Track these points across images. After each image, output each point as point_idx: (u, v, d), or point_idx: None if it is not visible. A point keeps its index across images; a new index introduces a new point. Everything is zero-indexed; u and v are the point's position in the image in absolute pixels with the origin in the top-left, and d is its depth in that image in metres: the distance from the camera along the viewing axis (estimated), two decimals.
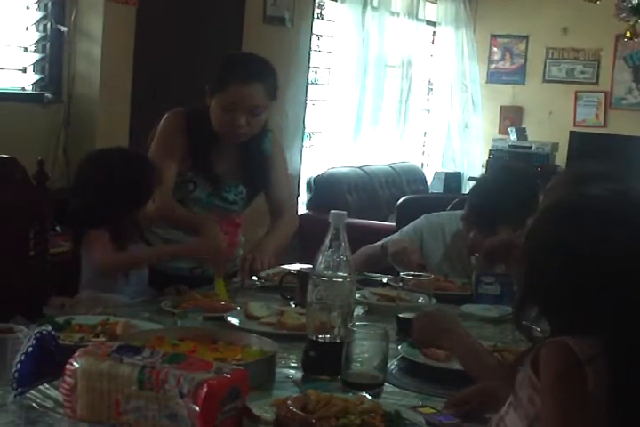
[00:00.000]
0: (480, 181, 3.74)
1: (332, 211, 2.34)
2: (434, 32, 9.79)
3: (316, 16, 7.50)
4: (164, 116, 3.41)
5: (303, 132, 7.46)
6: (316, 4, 7.54)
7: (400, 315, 2.73)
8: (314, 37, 7.45)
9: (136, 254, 3.12)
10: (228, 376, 1.87)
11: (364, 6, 7.92)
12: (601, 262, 1.68)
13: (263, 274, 3.33)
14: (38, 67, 5.10)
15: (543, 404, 1.66)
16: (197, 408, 1.80)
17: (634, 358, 1.64)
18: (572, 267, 1.71)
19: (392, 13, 8.47)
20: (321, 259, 2.30)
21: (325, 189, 7.31)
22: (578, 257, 1.70)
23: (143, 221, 3.14)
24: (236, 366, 1.96)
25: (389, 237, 3.74)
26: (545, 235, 1.79)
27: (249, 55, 3.45)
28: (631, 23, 7.84)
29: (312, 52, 7.41)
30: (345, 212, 2.34)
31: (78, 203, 3.12)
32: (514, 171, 3.64)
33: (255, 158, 3.44)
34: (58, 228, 4.29)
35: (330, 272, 2.29)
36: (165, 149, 3.33)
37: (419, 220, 3.78)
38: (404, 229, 3.79)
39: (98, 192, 3.03)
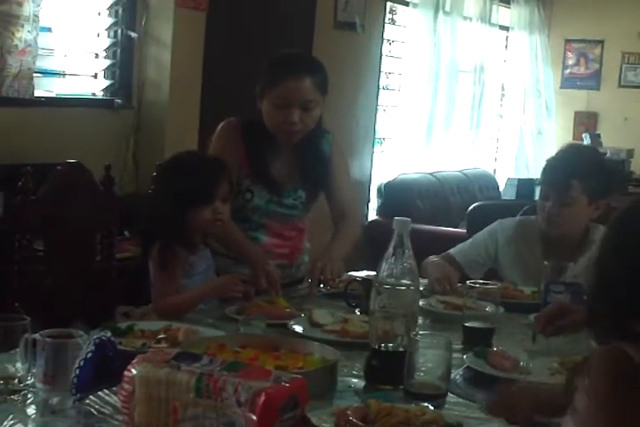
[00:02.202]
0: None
1: (396, 218, 2.30)
2: (507, 37, 9.70)
3: (387, 21, 7.48)
4: (219, 126, 3.41)
5: (374, 138, 7.43)
6: (388, 9, 7.51)
7: (466, 324, 2.69)
8: (385, 43, 7.41)
9: (187, 298, 3.06)
10: (287, 385, 1.84)
11: (436, 11, 7.87)
12: None
13: (331, 282, 3.30)
14: (109, 73, 5.15)
15: (589, 408, 1.61)
16: (255, 417, 1.77)
17: None
18: (632, 274, 1.67)
19: (464, 18, 8.42)
20: (384, 266, 2.28)
21: (396, 195, 7.28)
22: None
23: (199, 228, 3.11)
24: (295, 375, 1.93)
25: (460, 245, 3.69)
26: (608, 243, 1.75)
27: (296, 53, 3.47)
28: None
29: (383, 58, 7.38)
30: (409, 219, 2.30)
31: (153, 208, 3.12)
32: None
33: (313, 161, 3.42)
34: (126, 233, 4.31)
35: (393, 280, 2.26)
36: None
37: (493, 224, 3.73)
38: (478, 234, 3.74)
39: (174, 197, 3.03)
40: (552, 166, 3.49)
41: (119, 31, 5.11)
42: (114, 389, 2.03)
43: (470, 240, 3.74)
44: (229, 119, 3.43)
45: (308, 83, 3.23)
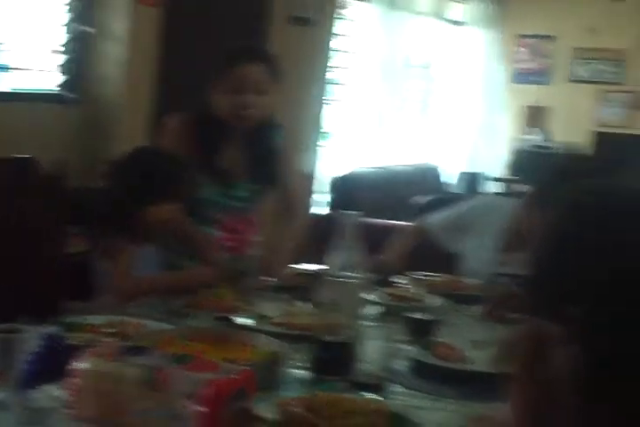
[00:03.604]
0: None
1: (344, 211, 2.34)
2: (460, 32, 9.75)
3: (339, 15, 7.49)
4: (168, 121, 3.43)
5: (322, 132, 7.45)
6: (340, 4, 7.52)
7: (412, 315, 2.73)
8: (336, 37, 7.43)
9: (154, 281, 3.11)
10: (235, 377, 1.86)
11: (389, 6, 7.90)
12: (612, 258, 1.68)
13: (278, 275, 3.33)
14: (64, 68, 5.12)
15: (512, 387, 1.66)
16: (203, 409, 1.80)
17: (605, 348, 1.64)
18: (581, 260, 1.71)
19: (418, 13, 8.46)
20: (332, 259, 2.31)
21: (346, 189, 7.31)
22: (590, 250, 1.71)
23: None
24: (242, 367, 1.96)
25: (432, 216, 3.77)
26: (546, 229, 1.79)
27: (249, 43, 3.50)
28: None
29: (334, 52, 7.40)
30: (356, 212, 2.34)
31: (106, 204, 3.11)
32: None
33: (265, 154, 3.45)
34: (75, 228, 4.29)
35: (340, 273, 2.29)
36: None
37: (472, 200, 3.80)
38: (458, 206, 3.79)
39: (132, 195, 3.03)
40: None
41: (74, 26, 5.08)
42: (61, 383, 2.04)
43: (445, 212, 3.79)
44: (178, 114, 3.44)
45: (261, 67, 3.31)
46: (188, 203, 3.22)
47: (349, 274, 2.30)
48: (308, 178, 6.95)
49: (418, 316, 2.72)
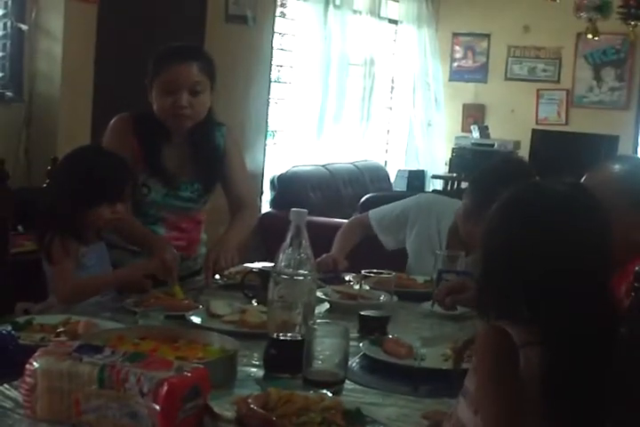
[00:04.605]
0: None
1: (293, 209, 2.35)
2: (396, 30, 9.80)
3: (278, 14, 7.50)
4: (111, 122, 3.41)
5: (266, 131, 7.45)
6: (279, 3, 7.54)
7: (362, 313, 2.74)
8: (276, 36, 7.44)
9: (94, 282, 3.10)
10: (189, 375, 1.87)
11: (327, 4, 7.92)
12: (542, 255, 1.72)
13: (226, 272, 3.33)
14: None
15: (477, 382, 1.69)
16: (158, 407, 1.80)
17: (568, 348, 1.67)
18: (514, 259, 1.74)
19: (354, 12, 8.48)
20: (282, 257, 2.32)
21: (289, 187, 7.31)
22: (521, 249, 1.74)
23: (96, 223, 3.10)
24: (196, 365, 1.96)
25: (375, 209, 3.81)
26: (494, 227, 1.82)
27: (182, 43, 3.47)
28: (593, 21, 7.91)
29: (275, 51, 7.41)
30: (305, 210, 2.35)
31: (49, 202, 3.08)
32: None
33: (207, 153, 3.44)
34: (19, 227, 4.27)
35: (291, 270, 2.31)
36: None
37: (415, 197, 3.83)
38: (400, 202, 3.82)
39: (74, 194, 3.01)
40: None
41: (9, 23, 5.03)
42: (14, 383, 2.03)
43: (390, 205, 3.81)
44: (121, 115, 3.43)
45: (194, 66, 3.28)
46: (132, 203, 3.21)
47: (299, 271, 2.31)
48: (255, 176, 6.95)
49: (367, 313, 2.73)
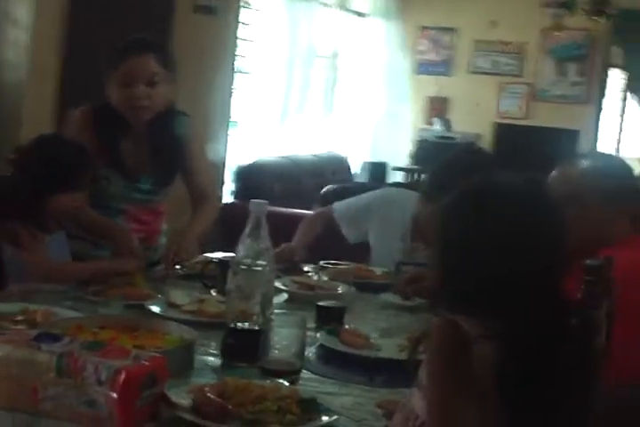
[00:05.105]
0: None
1: (253, 200, 2.37)
2: (362, 23, 9.80)
3: (243, 5, 7.48)
4: (71, 115, 3.42)
5: (229, 121, 7.44)
6: None
7: (319, 303, 2.77)
8: (241, 26, 7.42)
9: (80, 266, 3.13)
10: (146, 363, 1.88)
11: None
12: (498, 248, 1.74)
13: (186, 263, 3.34)
14: None
15: (427, 375, 1.71)
16: (115, 395, 1.81)
17: (524, 341, 1.70)
18: (467, 252, 1.76)
19: (322, 4, 8.49)
20: (241, 247, 2.34)
21: (251, 178, 7.30)
22: (477, 242, 1.76)
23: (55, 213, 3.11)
24: (153, 354, 1.98)
25: (340, 202, 3.83)
26: (449, 219, 1.84)
27: (137, 36, 3.46)
28: (559, 17, 7.97)
29: (239, 41, 7.39)
30: (265, 201, 2.37)
31: (10, 190, 3.08)
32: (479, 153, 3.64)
33: (167, 145, 3.44)
34: None
35: (249, 261, 2.32)
36: None
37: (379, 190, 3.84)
38: (364, 195, 3.84)
39: (35, 182, 3.01)
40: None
41: None
42: None
43: (353, 199, 3.84)
44: (80, 107, 3.43)
45: (150, 58, 3.30)
46: (92, 194, 3.22)
47: (258, 262, 2.33)
48: (217, 167, 6.95)
49: (325, 303, 2.76)
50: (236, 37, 7.29)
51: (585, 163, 2.63)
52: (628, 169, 2.66)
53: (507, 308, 1.72)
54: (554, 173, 2.62)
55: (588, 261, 1.77)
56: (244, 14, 7.48)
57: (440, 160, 3.49)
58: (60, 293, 2.94)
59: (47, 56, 5.20)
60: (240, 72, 7.71)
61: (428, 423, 1.70)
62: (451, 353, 1.70)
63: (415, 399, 1.80)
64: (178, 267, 3.31)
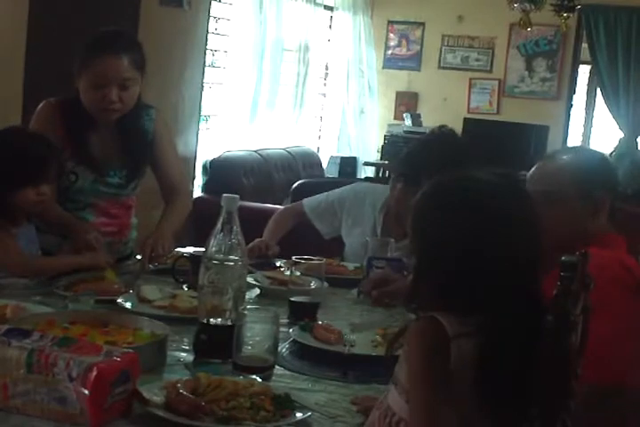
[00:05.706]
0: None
1: (224, 195, 2.35)
2: (331, 17, 9.80)
3: None
4: (38, 108, 3.37)
5: (199, 115, 7.42)
6: None
7: (292, 298, 2.76)
8: (211, 20, 7.39)
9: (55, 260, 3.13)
10: (118, 360, 1.87)
11: None
12: (476, 247, 1.74)
13: (164, 259, 3.31)
14: None
15: (408, 372, 1.71)
16: (87, 392, 1.80)
17: (502, 337, 1.70)
18: (447, 250, 1.76)
19: None
20: (213, 242, 2.32)
21: (221, 172, 7.29)
22: (453, 239, 1.75)
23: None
24: (125, 350, 1.96)
25: (310, 197, 3.83)
26: (425, 215, 1.83)
27: (113, 31, 3.38)
28: (526, 12, 7.99)
29: (209, 35, 7.36)
30: (237, 196, 2.35)
31: None
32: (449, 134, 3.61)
33: (135, 138, 3.40)
34: None
35: (221, 255, 2.31)
36: None
37: (351, 185, 3.84)
38: (335, 191, 3.83)
39: (1, 172, 2.99)
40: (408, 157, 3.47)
41: None
42: None
43: (324, 195, 3.82)
44: (48, 100, 3.38)
45: (125, 61, 3.20)
46: (60, 188, 3.19)
47: (230, 257, 2.32)
48: (188, 161, 6.93)
49: (297, 299, 2.75)
50: (207, 31, 7.25)
51: (566, 157, 2.63)
52: (607, 164, 2.67)
53: (484, 302, 1.72)
54: (532, 169, 2.62)
55: (564, 257, 1.77)
56: (215, 8, 7.45)
57: (415, 141, 3.49)
58: (30, 288, 2.92)
59: (11, 49, 5.16)
60: (211, 66, 7.68)
61: (413, 423, 1.70)
62: (430, 353, 1.69)
63: (392, 397, 1.79)
64: (156, 264, 3.26)
